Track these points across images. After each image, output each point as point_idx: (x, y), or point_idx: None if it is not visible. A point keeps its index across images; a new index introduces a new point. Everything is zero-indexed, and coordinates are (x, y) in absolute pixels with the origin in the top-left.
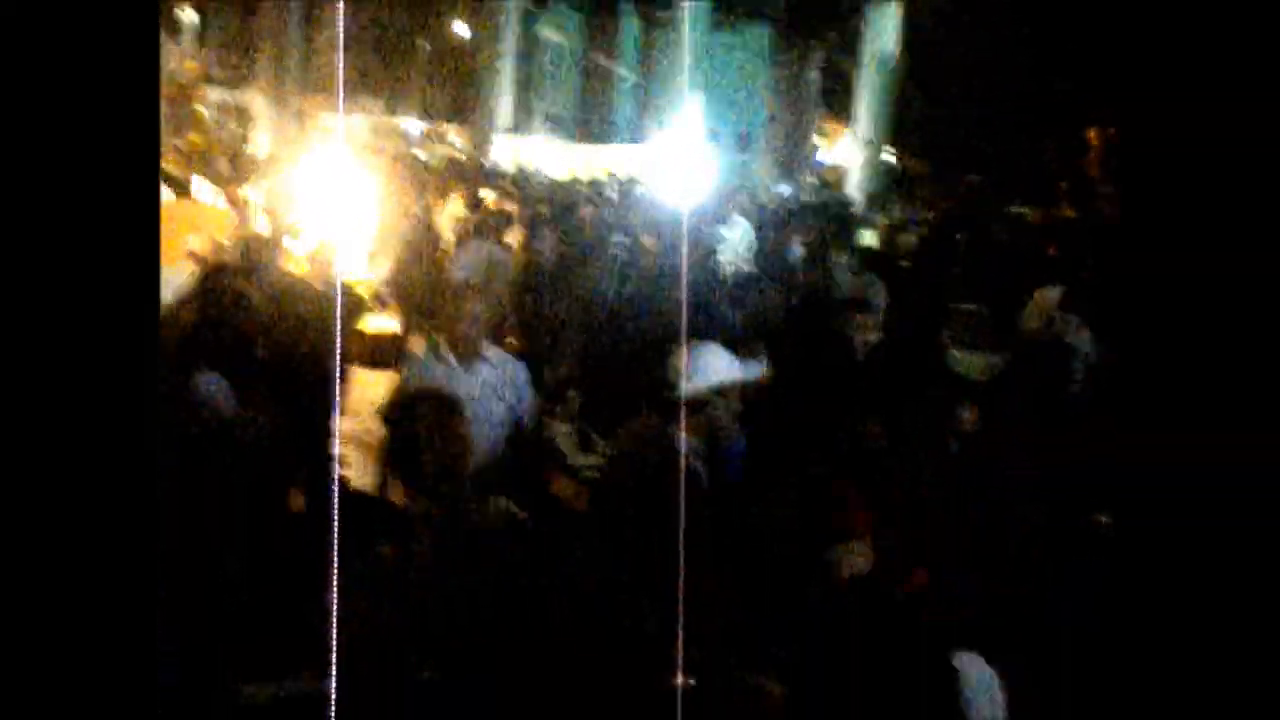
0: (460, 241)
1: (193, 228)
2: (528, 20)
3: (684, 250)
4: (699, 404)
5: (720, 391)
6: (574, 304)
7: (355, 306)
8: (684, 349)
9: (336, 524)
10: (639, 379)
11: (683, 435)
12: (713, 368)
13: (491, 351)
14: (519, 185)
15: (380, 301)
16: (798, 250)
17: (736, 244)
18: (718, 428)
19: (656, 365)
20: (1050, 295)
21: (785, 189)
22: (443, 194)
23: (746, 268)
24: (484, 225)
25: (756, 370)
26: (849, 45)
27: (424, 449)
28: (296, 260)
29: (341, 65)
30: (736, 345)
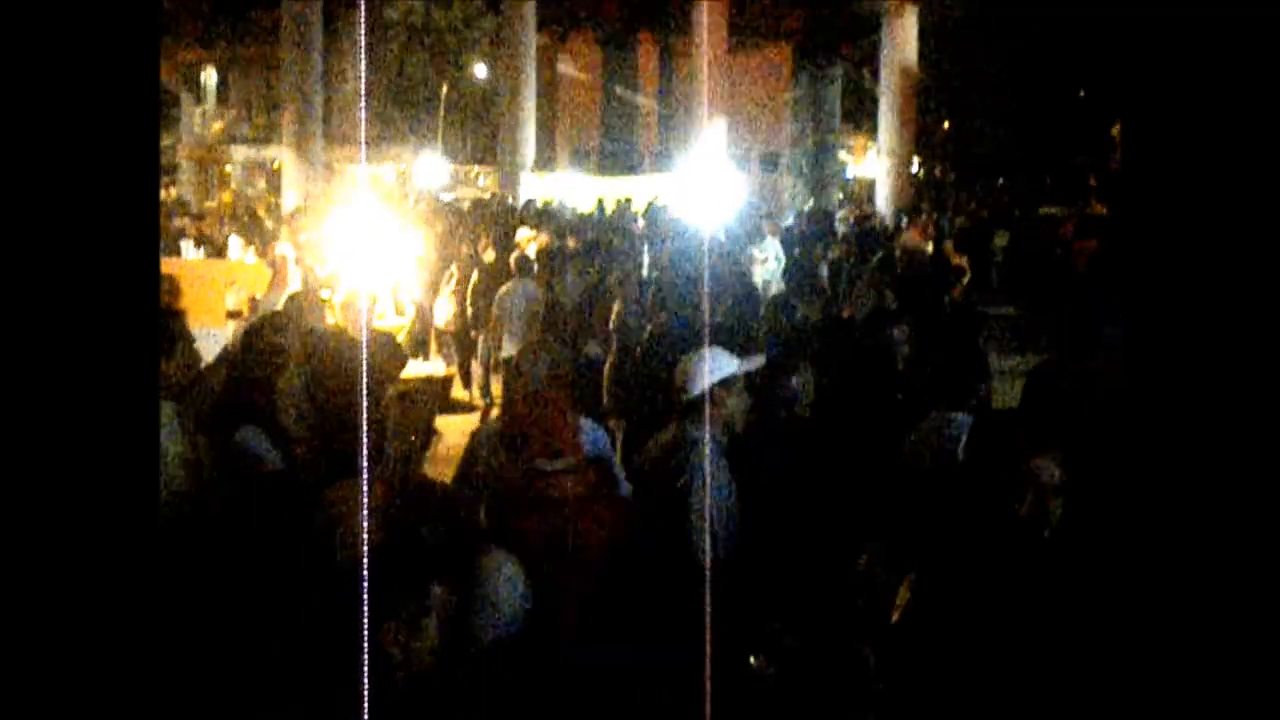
0: (485, 279)
1: (230, 286)
2: (547, 57)
3: (706, 273)
4: (709, 400)
5: (724, 384)
6: (608, 336)
7: (397, 353)
8: (692, 355)
9: (367, 573)
10: (668, 397)
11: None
12: (715, 366)
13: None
14: (546, 221)
15: (421, 346)
16: (830, 266)
17: (769, 263)
18: (730, 418)
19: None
20: None
21: (814, 206)
22: (473, 236)
23: (780, 286)
24: (524, 264)
25: (756, 363)
26: (868, 60)
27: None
28: (334, 311)
29: (365, 115)
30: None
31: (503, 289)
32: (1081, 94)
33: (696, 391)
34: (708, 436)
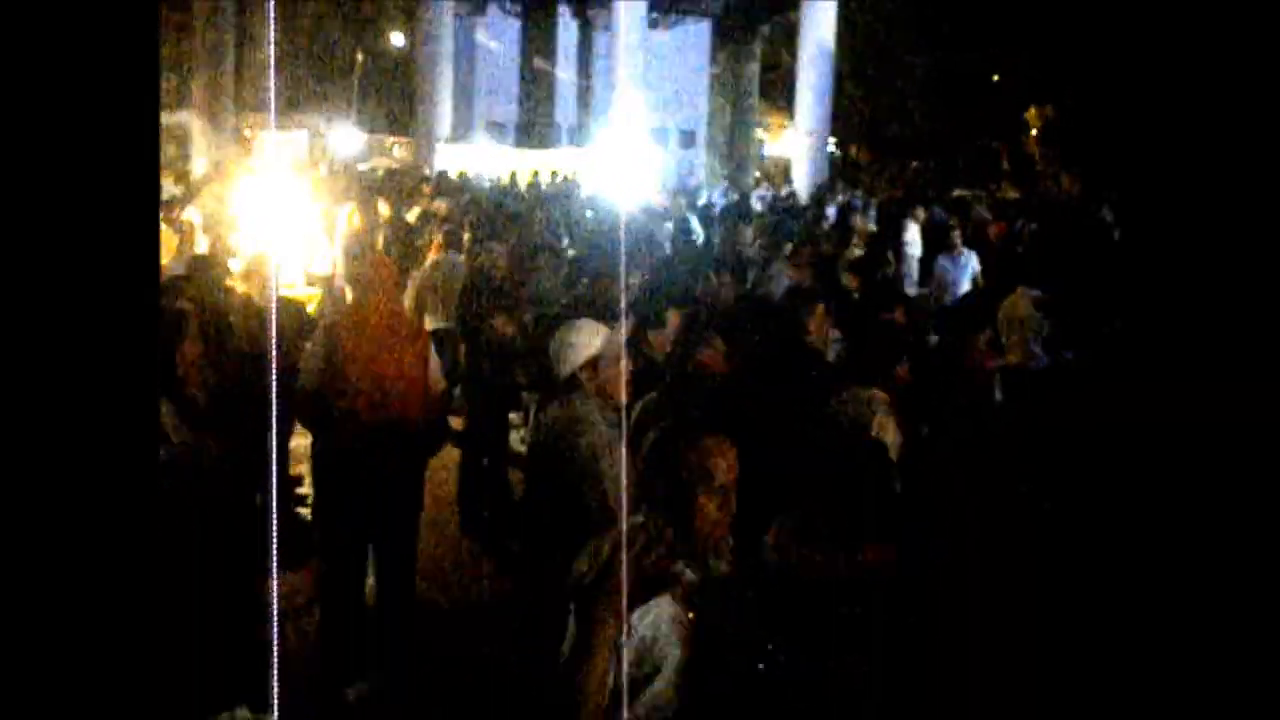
0: (409, 253)
1: None
2: (464, 28)
3: (624, 248)
4: (574, 380)
5: (591, 363)
6: (524, 309)
7: (304, 322)
8: (563, 330)
9: (276, 550)
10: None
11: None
12: (581, 343)
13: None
14: (463, 193)
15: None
16: (745, 243)
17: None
18: (610, 393)
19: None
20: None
21: (730, 183)
22: (384, 205)
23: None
24: (451, 238)
25: (627, 328)
26: (787, 39)
27: None
28: (239, 279)
29: (275, 82)
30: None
31: (430, 260)
32: (995, 77)
33: (568, 368)
34: (594, 412)
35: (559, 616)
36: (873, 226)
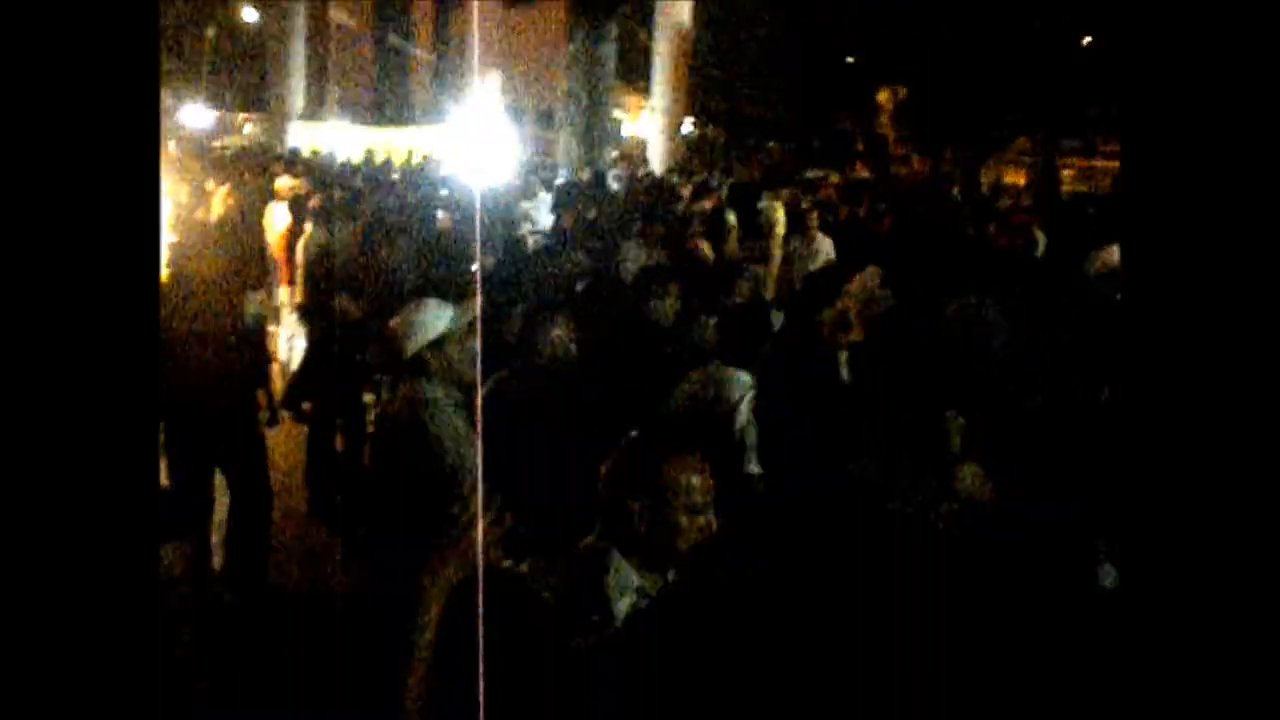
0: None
1: None
2: (317, 3)
3: (480, 228)
4: (419, 360)
5: (436, 343)
6: (372, 287)
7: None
8: (407, 308)
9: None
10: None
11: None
12: (430, 317)
13: None
14: (315, 172)
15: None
16: (599, 223)
17: (539, 219)
18: (453, 370)
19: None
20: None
21: (586, 162)
22: (210, 184)
23: (550, 241)
24: (319, 214)
25: (473, 309)
26: (644, 18)
27: None
28: None
29: None
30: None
31: (304, 237)
32: (849, 60)
33: (412, 348)
34: (440, 393)
35: (405, 597)
36: (707, 205)
